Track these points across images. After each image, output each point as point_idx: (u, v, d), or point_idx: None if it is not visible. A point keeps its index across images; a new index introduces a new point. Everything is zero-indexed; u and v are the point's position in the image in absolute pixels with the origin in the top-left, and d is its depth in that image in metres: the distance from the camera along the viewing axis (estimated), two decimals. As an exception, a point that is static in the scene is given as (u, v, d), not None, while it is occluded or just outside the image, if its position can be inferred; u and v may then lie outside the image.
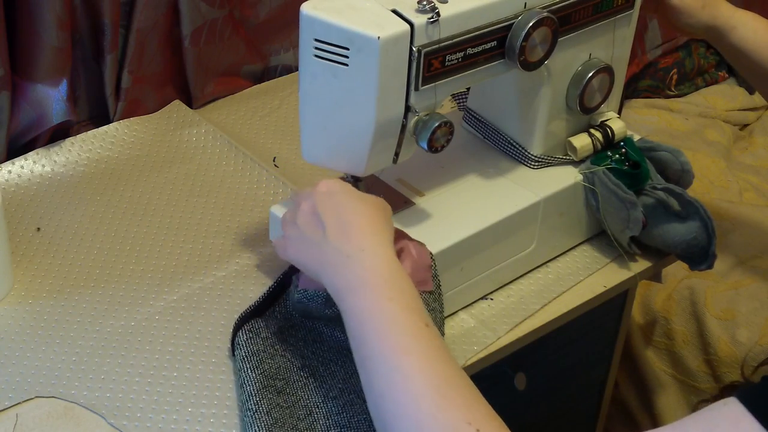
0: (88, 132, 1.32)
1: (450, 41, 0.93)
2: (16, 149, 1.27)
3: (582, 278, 1.13)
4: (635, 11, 1.11)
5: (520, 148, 1.12)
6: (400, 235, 0.95)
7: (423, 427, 0.74)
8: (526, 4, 0.98)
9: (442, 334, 0.97)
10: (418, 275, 0.94)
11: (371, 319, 0.81)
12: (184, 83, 1.41)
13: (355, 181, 1.02)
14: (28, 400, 0.94)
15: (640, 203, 1.11)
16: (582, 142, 1.12)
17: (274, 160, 1.31)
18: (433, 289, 0.95)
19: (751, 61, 1.17)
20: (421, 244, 0.96)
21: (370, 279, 0.83)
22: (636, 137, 1.17)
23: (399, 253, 0.91)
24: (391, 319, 0.81)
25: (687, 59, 1.91)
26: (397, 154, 0.98)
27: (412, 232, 1.01)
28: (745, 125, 1.91)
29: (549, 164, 1.12)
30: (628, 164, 1.12)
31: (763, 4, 1.96)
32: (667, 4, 1.16)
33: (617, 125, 1.13)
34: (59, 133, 1.30)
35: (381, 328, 0.80)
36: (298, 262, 0.92)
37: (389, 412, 0.77)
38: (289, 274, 0.99)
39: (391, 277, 0.84)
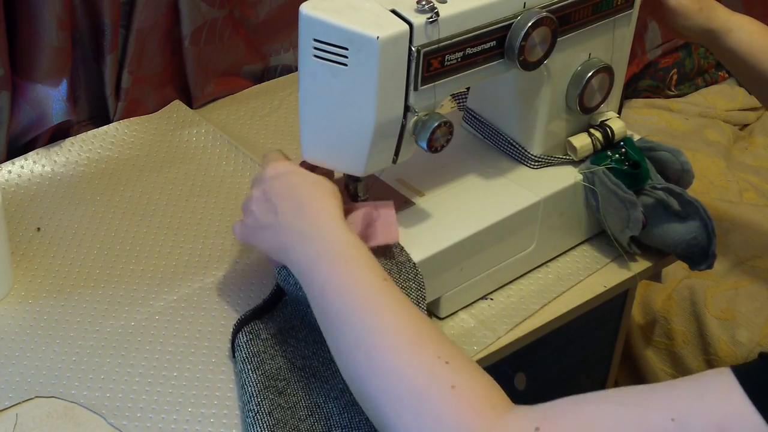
0: (88, 132, 1.32)
1: (449, 41, 0.93)
2: (16, 149, 1.27)
3: (582, 278, 1.13)
4: (635, 11, 1.11)
5: (520, 148, 1.12)
6: (359, 205, 0.99)
7: (401, 375, 0.77)
8: (525, 3, 0.98)
9: (423, 301, 0.97)
10: (383, 229, 0.97)
11: (332, 284, 0.85)
12: (184, 83, 1.41)
13: (355, 181, 1.02)
14: (28, 400, 0.94)
15: (640, 203, 1.11)
16: (582, 141, 1.12)
17: (274, 160, 1.31)
18: (397, 243, 0.97)
19: (747, 65, 1.17)
20: (385, 203, 0.99)
21: (327, 249, 0.87)
22: (636, 137, 1.17)
23: (365, 219, 0.96)
24: (353, 280, 0.84)
25: (687, 59, 1.91)
26: (396, 154, 0.98)
27: (412, 232, 1.01)
28: (745, 125, 1.91)
29: (549, 164, 1.12)
30: (628, 164, 1.12)
31: (763, 6, 1.96)
32: (664, 6, 1.16)
33: (617, 125, 1.13)
34: (59, 133, 1.30)
35: (344, 290, 0.84)
36: (260, 247, 0.96)
37: (364, 370, 0.79)
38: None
39: (346, 243, 0.87)
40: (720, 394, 0.68)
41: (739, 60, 1.17)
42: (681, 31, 1.18)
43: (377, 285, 0.84)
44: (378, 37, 0.88)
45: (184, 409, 0.94)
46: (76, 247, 1.13)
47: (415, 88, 0.93)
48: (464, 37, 0.94)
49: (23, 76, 1.24)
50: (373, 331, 0.80)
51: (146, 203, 1.21)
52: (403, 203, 1.05)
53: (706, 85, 1.93)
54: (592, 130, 1.13)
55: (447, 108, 1.29)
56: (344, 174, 1.03)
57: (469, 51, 0.95)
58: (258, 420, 0.89)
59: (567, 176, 1.12)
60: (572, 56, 1.08)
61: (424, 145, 0.96)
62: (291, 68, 1.54)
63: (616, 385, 1.48)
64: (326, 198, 0.92)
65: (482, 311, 1.07)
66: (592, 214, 1.15)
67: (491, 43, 0.97)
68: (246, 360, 0.95)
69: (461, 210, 1.05)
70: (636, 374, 1.49)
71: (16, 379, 0.96)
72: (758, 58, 1.15)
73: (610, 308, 1.27)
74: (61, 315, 1.04)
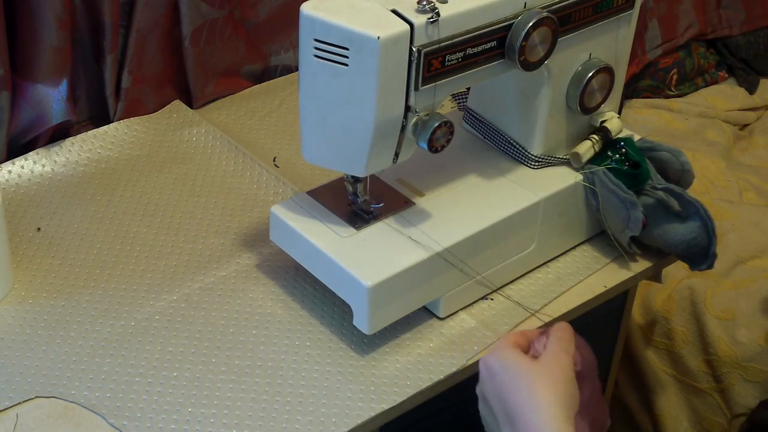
0: (88, 132, 1.32)
1: (450, 41, 0.93)
2: (16, 149, 1.27)
3: (582, 278, 1.13)
4: (635, 11, 1.11)
5: (520, 148, 1.12)
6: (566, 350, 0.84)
7: None
8: (525, 4, 0.98)
9: None
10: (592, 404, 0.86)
11: None
12: (184, 83, 1.41)
13: (355, 181, 1.02)
14: (28, 400, 0.94)
15: (640, 203, 1.11)
16: (583, 148, 1.12)
17: (274, 160, 1.31)
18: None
19: None
20: (586, 348, 0.88)
21: None
22: (636, 137, 1.17)
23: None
24: None
25: (687, 59, 1.91)
26: (397, 154, 0.98)
27: (413, 232, 1.01)
28: (745, 125, 1.91)
29: (549, 164, 1.12)
30: (628, 164, 1.12)
31: (763, 6, 1.96)
32: None
33: (613, 124, 1.13)
34: (59, 133, 1.30)
35: None
36: None
37: None
38: None
39: None
40: None
41: None
42: None
43: None
44: (379, 37, 0.88)
45: (184, 409, 0.94)
46: (76, 247, 1.13)
47: (416, 88, 0.93)
48: (465, 37, 0.94)
49: (23, 76, 1.24)
50: None
51: (146, 203, 1.21)
52: (403, 203, 1.05)
53: (706, 85, 1.93)
54: (591, 136, 1.13)
55: (447, 108, 1.29)
56: (345, 174, 1.03)
57: (469, 51, 0.95)
58: None
59: (567, 176, 1.12)
60: (573, 56, 1.08)
61: (425, 145, 0.96)
62: (291, 68, 1.54)
63: (616, 385, 1.49)
64: (546, 400, 0.79)
65: (482, 311, 1.07)
66: (592, 214, 1.15)
67: (492, 44, 0.97)
68: None
69: (461, 210, 1.05)
70: (636, 374, 1.49)
71: (16, 379, 0.96)
72: None
73: (610, 308, 1.27)
74: (61, 315, 1.04)
